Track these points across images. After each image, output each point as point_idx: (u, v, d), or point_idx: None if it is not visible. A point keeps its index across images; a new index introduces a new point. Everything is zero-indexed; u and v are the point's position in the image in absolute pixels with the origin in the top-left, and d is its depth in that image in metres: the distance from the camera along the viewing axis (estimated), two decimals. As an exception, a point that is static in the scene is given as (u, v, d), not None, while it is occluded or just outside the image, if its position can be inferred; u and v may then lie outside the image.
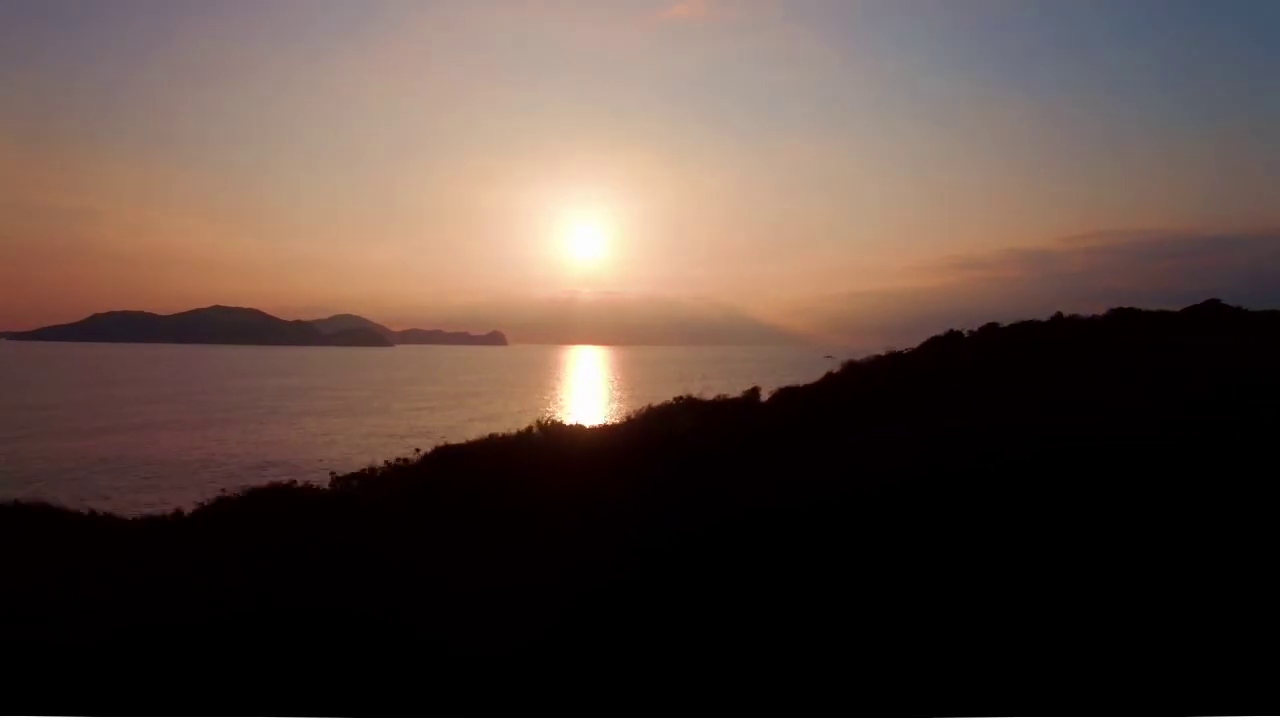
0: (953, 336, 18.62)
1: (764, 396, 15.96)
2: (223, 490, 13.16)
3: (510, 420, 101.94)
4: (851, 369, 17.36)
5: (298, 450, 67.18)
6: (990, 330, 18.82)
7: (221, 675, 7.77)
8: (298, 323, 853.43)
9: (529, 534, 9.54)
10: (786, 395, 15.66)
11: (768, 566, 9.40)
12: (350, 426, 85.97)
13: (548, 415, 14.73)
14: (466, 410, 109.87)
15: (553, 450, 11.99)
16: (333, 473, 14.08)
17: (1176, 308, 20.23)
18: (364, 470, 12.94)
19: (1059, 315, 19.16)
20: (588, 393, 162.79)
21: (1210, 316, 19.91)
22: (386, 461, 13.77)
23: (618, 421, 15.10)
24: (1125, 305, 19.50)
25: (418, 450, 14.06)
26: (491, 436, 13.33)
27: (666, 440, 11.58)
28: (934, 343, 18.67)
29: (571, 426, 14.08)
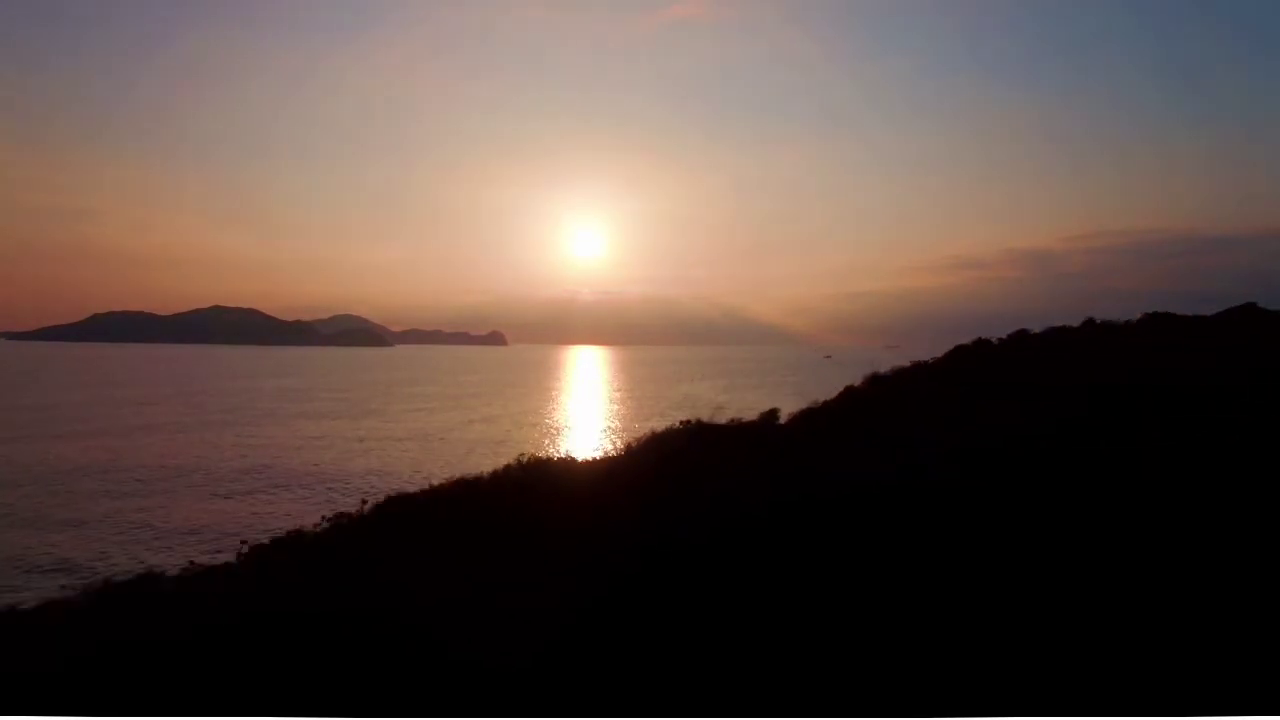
0: (981, 346, 17.43)
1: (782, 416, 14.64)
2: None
3: (509, 422, 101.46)
4: (875, 382, 16.17)
5: (292, 453, 66.12)
6: (1022, 339, 17.66)
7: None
8: (297, 323, 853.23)
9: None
10: (808, 418, 14.43)
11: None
12: (346, 429, 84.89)
13: (528, 453, 13.04)
14: (465, 412, 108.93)
15: (533, 496, 10.59)
16: (243, 541, 12.64)
17: (1208, 310, 19.22)
18: (291, 533, 11.48)
19: (1090, 321, 18.06)
20: (587, 395, 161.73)
21: (1245, 320, 18.81)
22: (325, 516, 12.30)
23: (617, 452, 13.62)
24: (1156, 309, 18.38)
25: (364, 502, 12.41)
26: (459, 481, 11.81)
27: (677, 483, 10.24)
28: (960, 352, 17.47)
29: (559, 462, 12.58)
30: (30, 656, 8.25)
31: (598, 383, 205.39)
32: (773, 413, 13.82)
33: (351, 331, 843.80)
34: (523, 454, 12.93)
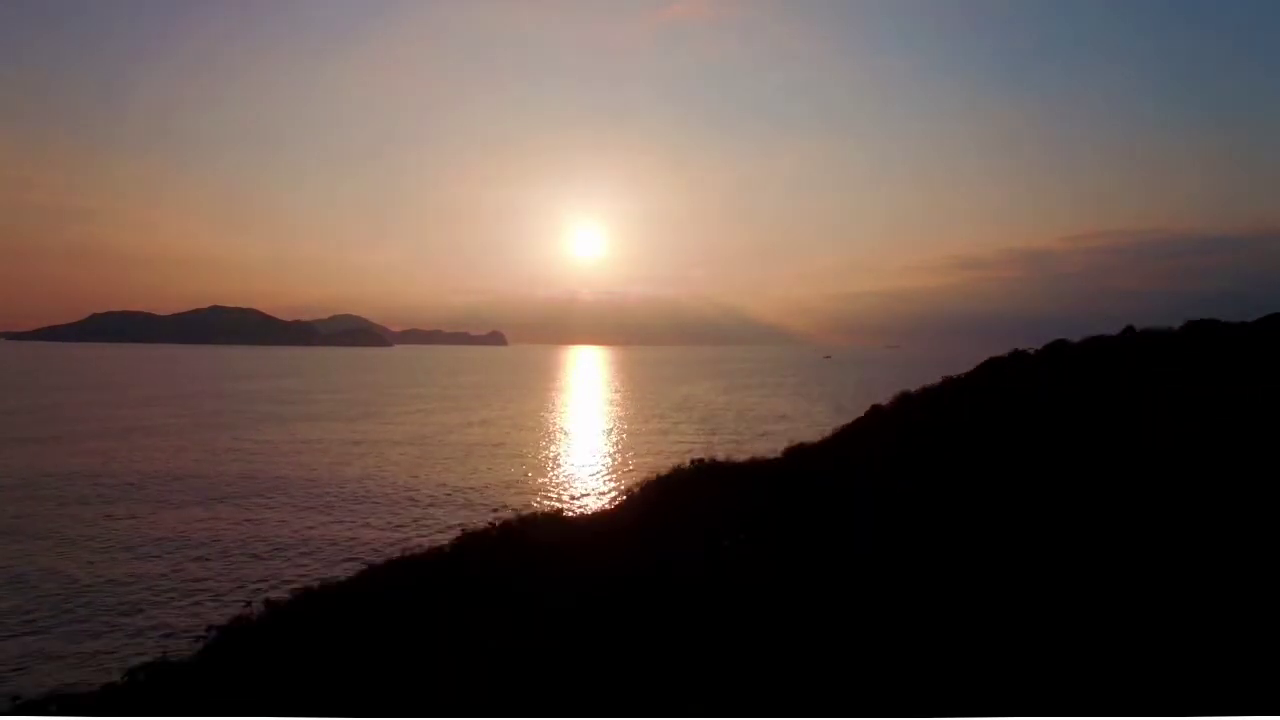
0: (1018, 359, 16.13)
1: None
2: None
3: (508, 425, 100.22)
4: (905, 402, 14.94)
5: (287, 458, 64.97)
6: (1060, 350, 16.36)
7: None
8: (297, 323, 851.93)
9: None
10: (838, 452, 13.19)
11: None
12: (343, 432, 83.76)
13: (498, 516, 11.75)
14: (463, 413, 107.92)
15: (522, 558, 9.43)
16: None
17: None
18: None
19: (1130, 329, 16.82)
20: (587, 396, 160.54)
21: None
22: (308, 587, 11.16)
23: (616, 504, 12.41)
24: (1197, 316, 17.11)
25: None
26: (437, 552, 10.59)
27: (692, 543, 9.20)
28: (994, 367, 16.15)
29: (546, 519, 11.29)
30: None
31: (598, 384, 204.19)
32: (798, 448, 12.55)
33: (351, 331, 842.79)
34: (496, 518, 11.74)
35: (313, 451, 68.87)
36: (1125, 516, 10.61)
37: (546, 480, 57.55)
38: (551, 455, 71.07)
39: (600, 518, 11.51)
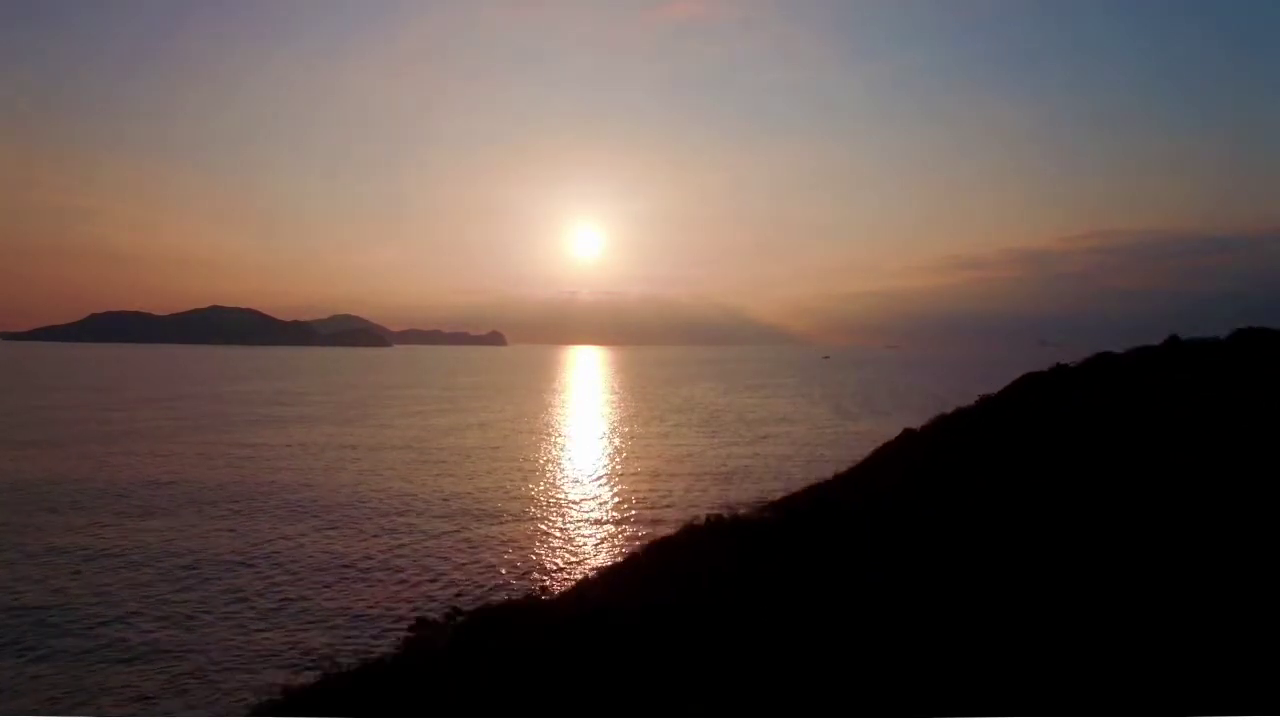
0: (1060, 373, 14.85)
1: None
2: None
3: (507, 426, 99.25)
4: (938, 424, 13.74)
5: (282, 462, 63.83)
6: (1104, 363, 15.11)
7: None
8: (296, 323, 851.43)
9: None
10: (864, 480, 12.06)
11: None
12: (339, 435, 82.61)
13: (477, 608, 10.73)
14: (462, 415, 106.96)
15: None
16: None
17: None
18: None
19: (1174, 338, 15.68)
20: (586, 398, 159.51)
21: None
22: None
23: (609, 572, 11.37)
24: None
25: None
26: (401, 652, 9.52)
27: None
28: (1032, 383, 14.89)
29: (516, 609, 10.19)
30: None
31: (597, 384, 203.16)
32: (829, 506, 11.47)
33: (350, 332, 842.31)
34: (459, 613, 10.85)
35: (307, 456, 67.74)
36: (1158, 546, 9.86)
37: (545, 487, 56.41)
38: (551, 458, 70.01)
39: (584, 597, 10.49)
